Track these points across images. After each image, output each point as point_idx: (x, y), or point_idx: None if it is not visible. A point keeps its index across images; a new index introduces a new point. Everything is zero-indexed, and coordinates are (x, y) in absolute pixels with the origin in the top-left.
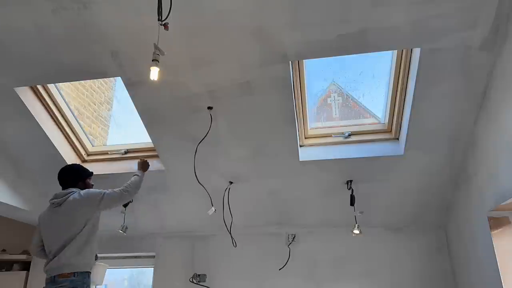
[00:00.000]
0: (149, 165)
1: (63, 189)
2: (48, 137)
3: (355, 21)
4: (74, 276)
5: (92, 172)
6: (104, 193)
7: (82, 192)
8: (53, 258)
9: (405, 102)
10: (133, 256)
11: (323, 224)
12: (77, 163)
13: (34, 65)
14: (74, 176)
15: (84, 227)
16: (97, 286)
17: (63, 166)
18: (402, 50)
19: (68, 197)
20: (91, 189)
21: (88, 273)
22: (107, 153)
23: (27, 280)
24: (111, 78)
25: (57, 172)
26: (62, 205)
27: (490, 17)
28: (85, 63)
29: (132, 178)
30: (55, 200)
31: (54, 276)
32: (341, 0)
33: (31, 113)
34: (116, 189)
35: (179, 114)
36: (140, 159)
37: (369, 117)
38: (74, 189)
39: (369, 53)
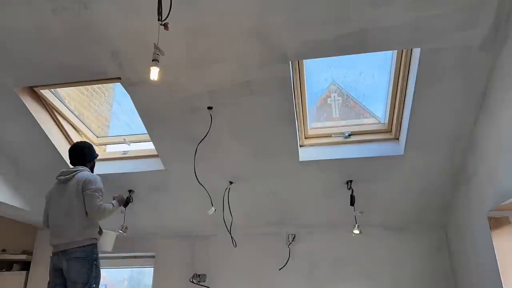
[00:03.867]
0: (128, 202)
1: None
2: (48, 137)
3: (355, 21)
4: (83, 247)
5: (98, 155)
6: (97, 192)
7: (89, 174)
8: (59, 233)
9: (405, 102)
10: (133, 256)
11: (323, 224)
12: None
13: (34, 65)
14: (85, 156)
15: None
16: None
17: (63, 166)
18: (402, 50)
19: (75, 175)
20: (96, 179)
21: (95, 244)
22: (107, 153)
23: (27, 280)
24: None
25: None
26: (68, 182)
27: (490, 17)
28: (85, 63)
29: (109, 206)
30: (61, 177)
31: (64, 250)
32: (341, 0)
33: (31, 113)
34: (103, 204)
35: (179, 114)
36: (120, 194)
37: (369, 117)
38: (81, 168)
39: (369, 53)
